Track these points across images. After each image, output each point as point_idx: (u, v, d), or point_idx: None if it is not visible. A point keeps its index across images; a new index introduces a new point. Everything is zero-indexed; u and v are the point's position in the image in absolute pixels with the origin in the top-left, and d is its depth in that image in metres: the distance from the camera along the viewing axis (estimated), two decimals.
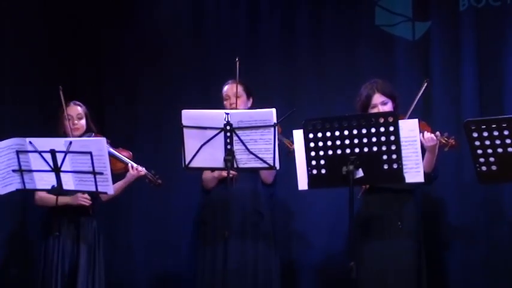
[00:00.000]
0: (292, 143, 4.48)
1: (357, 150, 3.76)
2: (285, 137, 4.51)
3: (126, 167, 4.86)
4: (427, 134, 4.34)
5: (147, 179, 4.90)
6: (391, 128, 3.73)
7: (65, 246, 4.74)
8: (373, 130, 3.74)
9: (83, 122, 4.92)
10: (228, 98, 4.90)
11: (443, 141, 4.36)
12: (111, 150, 4.86)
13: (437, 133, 4.36)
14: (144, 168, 4.87)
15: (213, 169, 4.71)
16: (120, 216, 5.72)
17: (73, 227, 4.79)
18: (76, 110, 4.94)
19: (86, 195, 4.73)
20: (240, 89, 4.84)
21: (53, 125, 5.19)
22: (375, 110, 4.46)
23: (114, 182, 4.87)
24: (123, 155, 4.89)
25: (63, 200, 4.67)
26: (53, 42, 5.82)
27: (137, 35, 6.03)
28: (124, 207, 5.61)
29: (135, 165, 4.85)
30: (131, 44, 6.03)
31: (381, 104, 4.48)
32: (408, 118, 4.37)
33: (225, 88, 4.96)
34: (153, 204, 5.74)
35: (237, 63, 4.72)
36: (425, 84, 4.59)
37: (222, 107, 4.88)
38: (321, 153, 3.81)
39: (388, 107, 4.49)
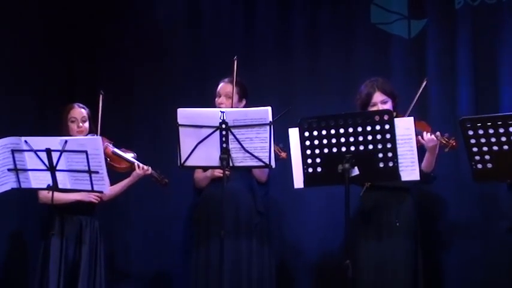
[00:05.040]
0: (282, 149, 4.50)
1: (352, 148, 3.78)
2: (275, 142, 4.46)
3: (132, 166, 4.89)
4: (428, 135, 4.33)
5: (153, 177, 4.93)
6: (387, 126, 3.74)
7: (67, 246, 4.74)
8: (368, 128, 3.76)
9: (87, 124, 4.94)
10: (219, 96, 4.88)
11: (444, 142, 4.36)
12: (116, 150, 4.89)
13: (438, 133, 4.36)
14: (150, 168, 4.89)
15: (208, 168, 4.70)
16: (117, 216, 5.71)
17: (75, 226, 4.80)
18: (81, 112, 4.95)
19: (97, 194, 4.73)
20: (234, 90, 4.82)
21: (50, 124, 5.20)
22: (374, 109, 4.45)
23: (118, 181, 4.94)
24: (128, 155, 4.93)
25: (73, 196, 4.71)
26: (50, 41, 5.82)
27: (134, 34, 6.03)
28: (121, 206, 5.60)
29: (141, 164, 4.87)
30: (128, 44, 6.03)
31: (381, 102, 4.48)
32: (408, 115, 4.38)
33: (220, 85, 4.91)
34: (150, 203, 5.74)
35: (235, 62, 4.70)
36: (425, 83, 4.60)
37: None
38: (317, 151, 3.83)
39: (388, 106, 4.48)
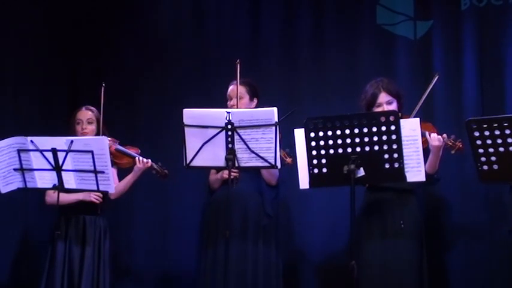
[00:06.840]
0: (288, 155, 4.49)
1: (358, 149, 3.78)
2: (281, 147, 4.43)
3: (134, 161, 4.91)
4: (434, 135, 4.33)
5: (154, 170, 4.95)
6: (393, 127, 3.74)
7: (70, 247, 4.75)
8: (374, 129, 3.75)
9: (93, 126, 4.95)
10: (230, 99, 4.88)
11: (450, 144, 4.36)
12: (119, 147, 4.94)
13: (444, 135, 4.36)
14: (150, 160, 4.91)
15: (214, 168, 4.70)
16: (121, 216, 5.71)
17: (79, 226, 4.81)
18: (86, 114, 4.97)
19: (99, 193, 4.74)
20: (243, 90, 4.80)
21: (55, 124, 5.21)
22: (379, 109, 4.44)
23: (123, 177, 4.97)
24: (131, 151, 4.96)
25: (75, 196, 4.73)
26: (55, 41, 5.83)
27: (138, 35, 6.03)
28: (125, 206, 5.60)
29: (141, 158, 4.90)
30: (132, 44, 6.04)
31: (386, 103, 4.46)
32: (415, 114, 4.37)
33: (229, 88, 4.90)
34: (154, 203, 5.74)
35: (238, 65, 4.70)
36: (436, 78, 4.58)
37: (223, 107, 4.86)
38: (322, 152, 3.83)
39: (393, 107, 4.47)
